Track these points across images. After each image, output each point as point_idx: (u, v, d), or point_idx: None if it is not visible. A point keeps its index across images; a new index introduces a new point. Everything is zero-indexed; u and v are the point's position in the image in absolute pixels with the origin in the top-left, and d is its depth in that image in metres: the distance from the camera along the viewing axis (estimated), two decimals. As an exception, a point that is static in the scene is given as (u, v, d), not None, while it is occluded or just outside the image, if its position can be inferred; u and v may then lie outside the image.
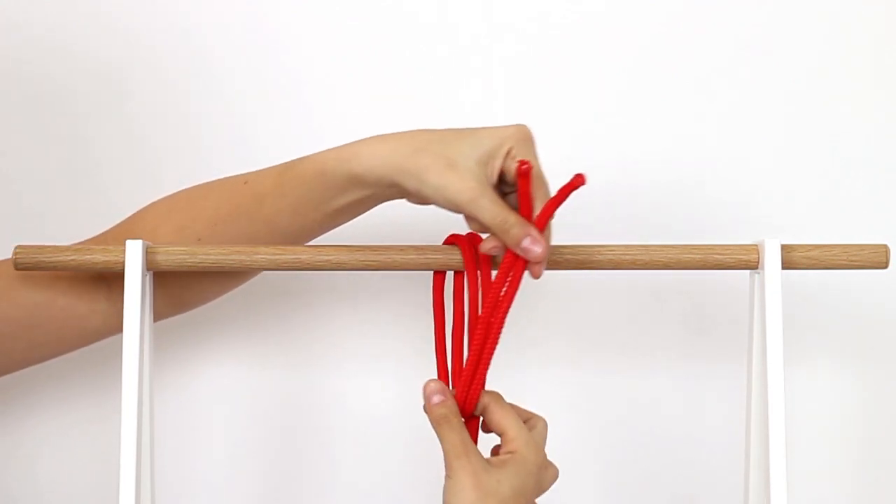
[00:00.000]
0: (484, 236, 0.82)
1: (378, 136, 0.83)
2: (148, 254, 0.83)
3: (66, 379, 1.05)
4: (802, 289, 1.03)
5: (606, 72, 1.07)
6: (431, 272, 0.85)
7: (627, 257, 0.84)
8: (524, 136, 0.82)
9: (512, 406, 0.83)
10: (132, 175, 1.05)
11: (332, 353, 1.06)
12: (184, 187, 1.05)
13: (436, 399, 0.81)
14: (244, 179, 0.88)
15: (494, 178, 0.80)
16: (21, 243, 0.84)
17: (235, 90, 1.05)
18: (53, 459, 1.05)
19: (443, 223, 1.06)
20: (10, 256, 0.83)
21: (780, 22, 1.06)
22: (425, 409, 0.81)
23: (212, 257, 0.83)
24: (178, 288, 0.90)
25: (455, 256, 0.84)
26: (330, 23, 1.06)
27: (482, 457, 0.79)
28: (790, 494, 0.80)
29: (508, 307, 0.81)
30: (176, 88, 1.05)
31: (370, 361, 1.06)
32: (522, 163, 0.78)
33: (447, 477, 0.78)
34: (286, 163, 0.87)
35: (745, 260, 0.84)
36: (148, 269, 0.83)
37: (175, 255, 0.83)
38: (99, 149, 1.05)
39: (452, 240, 0.85)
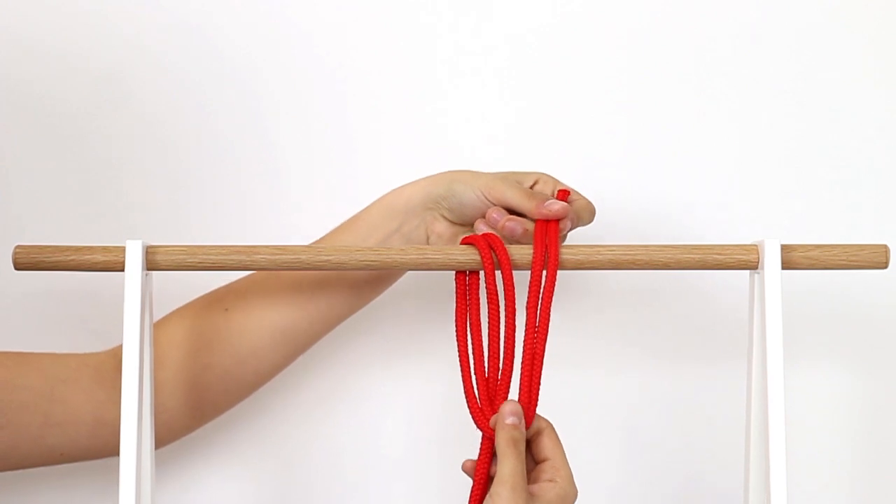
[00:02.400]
0: (499, 238, 0.83)
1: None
2: (148, 253, 0.83)
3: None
4: (802, 289, 1.03)
5: (606, 72, 1.07)
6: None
7: (627, 257, 0.84)
8: (551, 177, 0.89)
9: None
10: (132, 175, 1.05)
11: (332, 352, 1.06)
12: (184, 187, 1.05)
13: (511, 420, 0.80)
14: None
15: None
16: (21, 243, 0.83)
17: (236, 90, 1.05)
18: (53, 459, 1.05)
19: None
20: (9, 256, 0.83)
21: (781, 22, 1.06)
22: (496, 425, 0.80)
23: (212, 257, 0.83)
24: (196, 399, 0.91)
25: (455, 256, 0.84)
26: (334, 20, 1.06)
27: (528, 492, 0.78)
28: (790, 494, 0.80)
29: (549, 308, 0.82)
30: (177, 88, 1.05)
31: (370, 361, 1.06)
32: (563, 192, 0.86)
33: (492, 501, 0.77)
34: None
35: (745, 260, 0.84)
36: (148, 269, 0.83)
37: (175, 254, 0.83)
38: (99, 149, 1.05)
39: (469, 240, 0.84)
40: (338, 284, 0.92)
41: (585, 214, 0.88)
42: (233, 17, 1.05)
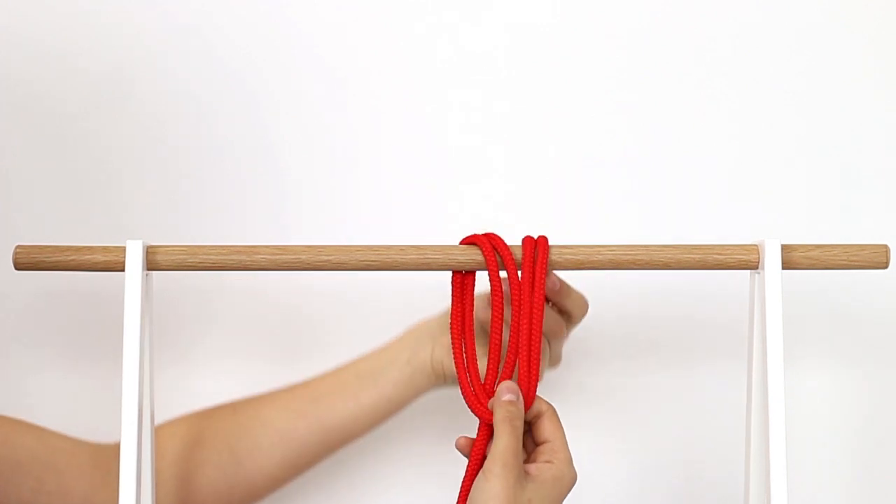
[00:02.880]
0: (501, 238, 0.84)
1: None
2: (148, 254, 0.83)
3: (65, 379, 1.05)
4: (802, 289, 1.03)
5: (606, 72, 1.07)
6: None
7: (627, 257, 0.84)
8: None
9: None
10: (133, 175, 1.05)
11: (332, 353, 1.06)
12: (184, 187, 1.05)
13: (508, 396, 0.80)
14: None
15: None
16: (21, 243, 0.83)
17: (236, 90, 1.05)
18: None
19: (443, 223, 1.06)
20: (10, 256, 0.83)
21: (781, 21, 1.06)
22: (493, 403, 0.80)
23: (212, 257, 0.83)
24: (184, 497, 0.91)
25: (455, 256, 0.84)
26: (334, 20, 1.06)
27: (522, 470, 0.78)
28: (790, 494, 0.80)
29: (542, 303, 0.82)
30: (177, 88, 1.05)
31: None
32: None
33: (484, 477, 0.76)
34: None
35: (745, 260, 0.84)
36: (148, 269, 0.83)
37: (175, 254, 0.83)
38: (99, 149, 1.05)
39: (471, 240, 0.84)
40: (347, 398, 0.93)
41: (578, 312, 0.91)
42: (233, 17, 1.05)
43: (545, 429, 0.81)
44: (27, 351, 1.05)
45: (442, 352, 0.93)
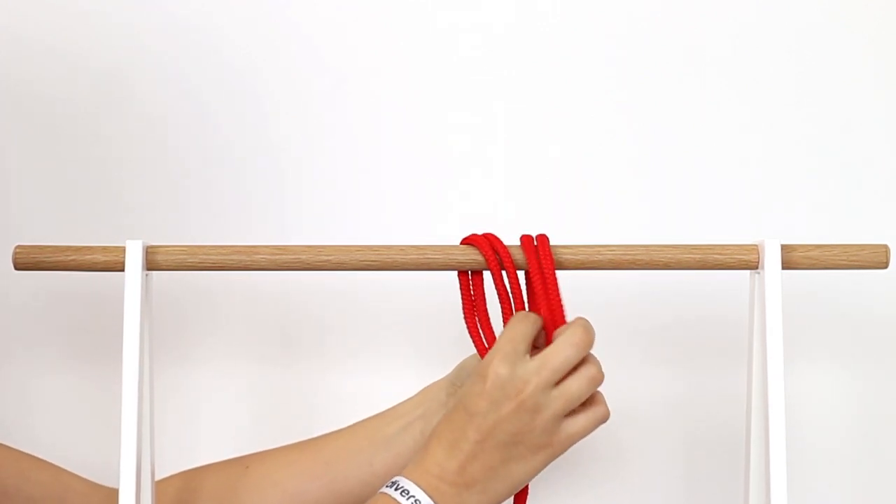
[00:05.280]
0: (502, 238, 0.84)
1: None
2: (148, 254, 0.83)
3: (65, 379, 1.05)
4: (802, 289, 1.03)
5: (606, 72, 1.07)
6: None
7: (627, 257, 0.84)
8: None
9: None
10: (133, 175, 1.05)
11: (332, 353, 1.06)
12: (184, 187, 1.05)
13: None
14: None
15: None
16: (21, 243, 0.83)
17: (237, 90, 1.05)
18: (53, 459, 1.04)
19: (443, 223, 1.06)
20: (10, 256, 0.83)
21: (781, 21, 1.06)
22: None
23: (212, 257, 0.83)
24: None
25: (455, 256, 0.84)
26: (334, 20, 1.06)
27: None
28: (790, 494, 0.80)
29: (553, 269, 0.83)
30: (177, 88, 1.05)
31: (371, 361, 1.06)
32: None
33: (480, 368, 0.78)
34: None
35: (745, 260, 0.84)
36: (148, 269, 0.83)
37: (175, 254, 0.83)
38: (99, 149, 1.05)
39: (470, 240, 0.85)
40: (361, 464, 0.92)
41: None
42: (233, 17, 1.05)
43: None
44: (27, 351, 1.05)
45: None
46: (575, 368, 0.79)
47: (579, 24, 1.07)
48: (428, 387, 0.93)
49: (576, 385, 0.78)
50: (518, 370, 0.77)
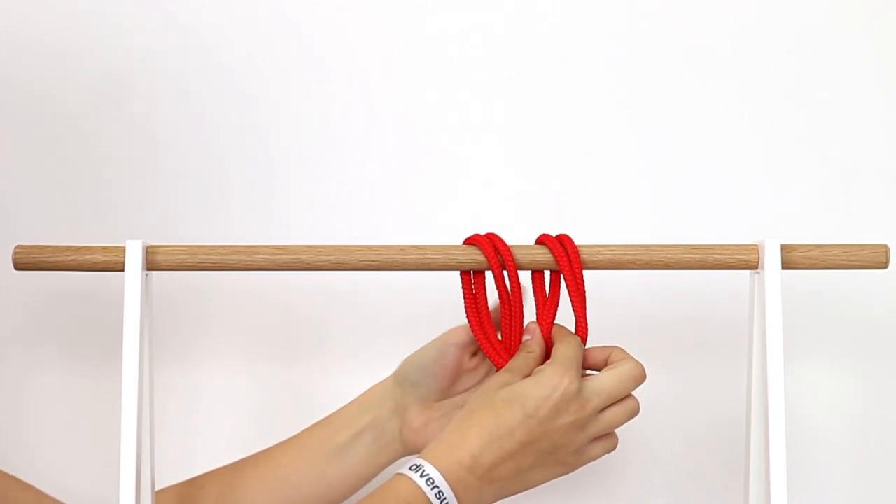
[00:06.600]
0: (503, 238, 0.85)
1: None
2: (148, 254, 0.83)
3: (64, 379, 1.05)
4: (802, 289, 1.03)
5: (606, 72, 1.07)
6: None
7: (627, 257, 0.84)
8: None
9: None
10: (132, 175, 1.05)
11: (332, 353, 1.06)
12: (184, 187, 1.05)
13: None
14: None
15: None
16: (21, 243, 0.84)
17: (236, 90, 1.06)
18: (53, 460, 1.05)
19: (443, 223, 1.06)
20: (10, 256, 0.83)
21: (781, 21, 1.06)
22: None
23: (212, 257, 0.83)
24: None
25: (456, 256, 0.84)
26: (334, 20, 1.06)
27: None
28: (790, 494, 0.80)
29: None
30: (176, 88, 1.05)
31: (371, 361, 1.06)
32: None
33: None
34: None
35: (745, 260, 0.84)
36: (148, 269, 0.83)
37: (175, 254, 0.83)
38: (99, 149, 1.05)
39: (473, 240, 0.85)
40: (314, 479, 0.92)
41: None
42: (232, 17, 1.05)
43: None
44: (27, 351, 1.05)
45: (411, 433, 0.91)
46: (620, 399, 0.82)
47: (579, 24, 1.07)
48: (371, 389, 0.93)
49: (620, 414, 0.83)
50: (585, 390, 0.80)
